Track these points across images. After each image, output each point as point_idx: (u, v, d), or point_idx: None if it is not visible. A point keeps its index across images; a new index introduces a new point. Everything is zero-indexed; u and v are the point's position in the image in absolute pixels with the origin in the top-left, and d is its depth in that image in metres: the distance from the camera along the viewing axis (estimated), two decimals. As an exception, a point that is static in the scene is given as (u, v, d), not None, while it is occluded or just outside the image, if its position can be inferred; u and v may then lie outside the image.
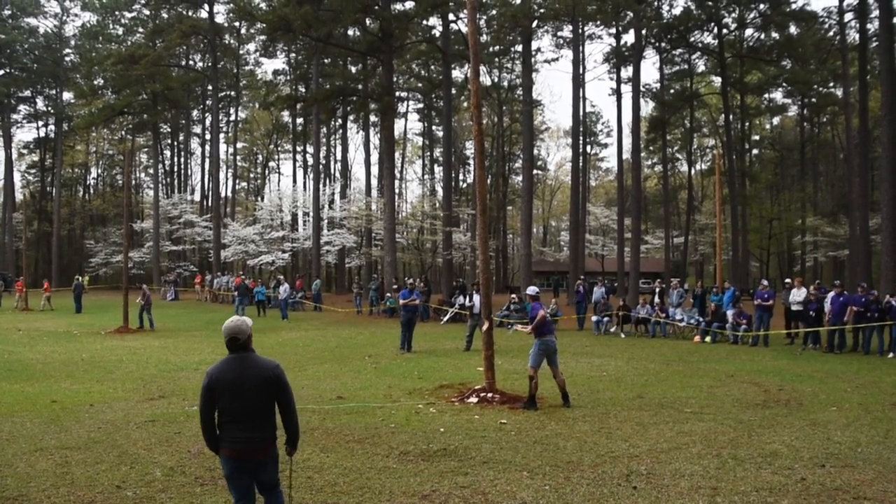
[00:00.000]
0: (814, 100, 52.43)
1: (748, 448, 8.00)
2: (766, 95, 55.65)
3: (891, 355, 16.99)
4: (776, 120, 66.12)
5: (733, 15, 43.77)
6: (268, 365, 4.77)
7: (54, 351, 18.13)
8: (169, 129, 68.10)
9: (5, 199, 63.55)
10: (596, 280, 28.98)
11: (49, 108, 65.87)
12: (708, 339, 21.20)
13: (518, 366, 15.08)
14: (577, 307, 27.63)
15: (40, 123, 68.40)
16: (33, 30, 61.92)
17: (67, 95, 64.50)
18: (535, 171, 57.75)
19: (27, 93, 64.83)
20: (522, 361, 15.82)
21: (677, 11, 42.87)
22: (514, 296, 29.48)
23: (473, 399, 10.83)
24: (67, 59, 64.09)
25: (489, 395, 10.92)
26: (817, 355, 17.60)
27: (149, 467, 7.24)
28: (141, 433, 8.81)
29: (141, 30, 57.63)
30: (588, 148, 65.98)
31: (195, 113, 66.83)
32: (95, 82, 59.16)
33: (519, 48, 43.96)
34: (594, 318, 24.53)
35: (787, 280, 25.44)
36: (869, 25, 35.08)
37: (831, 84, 49.29)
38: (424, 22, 41.94)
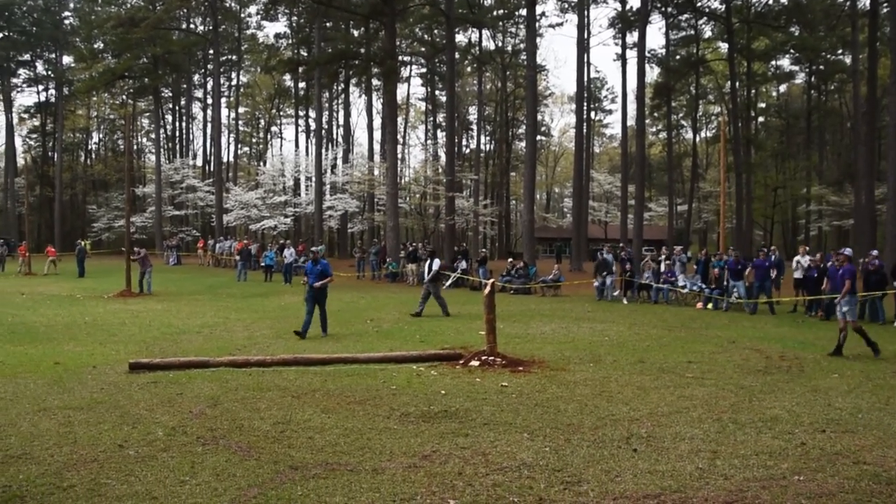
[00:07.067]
0: (822, 67, 51.84)
1: (749, 413, 8.00)
2: (774, 62, 55.10)
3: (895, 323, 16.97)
4: (783, 87, 65.58)
5: (742, -21, 43.24)
6: None
7: (57, 314, 18.18)
8: (170, 94, 67.74)
9: (7, 164, 63.43)
10: (602, 247, 28.83)
11: (49, 73, 65.51)
12: (710, 306, 21.20)
13: (519, 329, 15.11)
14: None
15: (41, 88, 68.14)
16: (32, -9, 61.41)
17: (67, 59, 64.16)
18: (538, 137, 57.40)
19: (27, 56, 64.56)
20: (523, 325, 15.86)
21: (684, -25, 42.38)
22: (517, 262, 29.53)
23: (475, 362, 10.84)
24: (67, 22, 63.64)
25: (491, 358, 10.92)
26: (820, 323, 17.60)
27: (151, 427, 7.26)
28: (143, 394, 8.84)
29: (141, -8, 57.07)
30: (592, 114, 65.53)
31: (196, 77, 66.40)
32: (95, 46, 58.67)
33: (523, 12, 43.45)
34: (595, 284, 24.49)
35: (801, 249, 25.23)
36: (881, -9, 34.57)
37: (840, 51, 48.77)
38: (428, -15, 41.40)
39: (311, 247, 39.89)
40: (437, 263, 18.92)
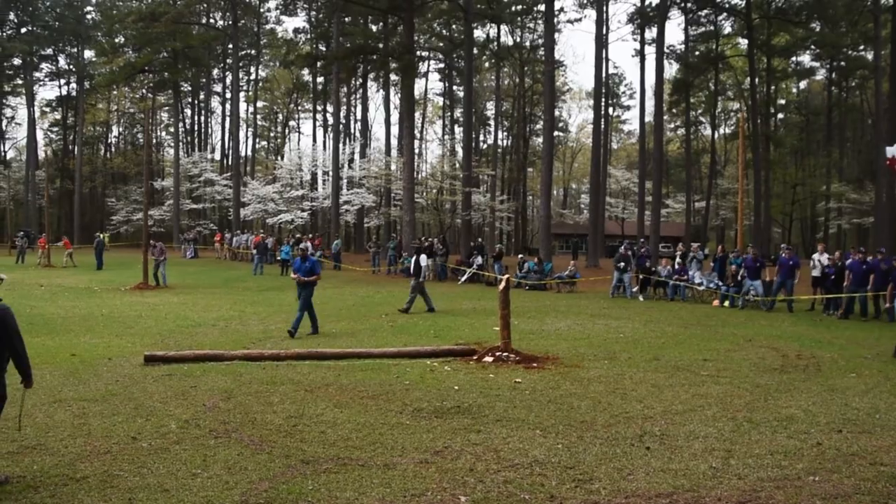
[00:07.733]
0: (843, 63, 51.23)
1: (764, 412, 7.93)
2: (794, 58, 54.52)
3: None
4: (803, 84, 64.88)
5: (762, -26, 42.84)
6: None
7: (75, 306, 18.32)
8: (189, 88, 67.98)
9: (28, 156, 63.96)
10: (622, 242, 28.70)
11: (71, 67, 65.97)
12: (727, 303, 21.04)
13: (534, 326, 15.06)
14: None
15: (62, 82, 68.63)
16: (55, -13, 61.92)
17: (89, 53, 64.64)
18: (556, 133, 57.21)
19: (49, 51, 64.98)
20: (538, 322, 15.82)
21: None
22: (529, 258, 29.43)
23: (489, 358, 10.83)
24: (89, 16, 64.10)
25: (505, 354, 10.90)
26: (838, 322, 17.43)
27: (164, 420, 7.30)
28: (157, 387, 8.89)
29: (162, -13, 57.40)
30: (610, 110, 65.18)
31: (216, 71, 66.68)
32: (116, 40, 59.12)
33: (541, 7, 43.23)
34: (613, 281, 24.27)
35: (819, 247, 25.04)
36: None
37: (861, 47, 48.16)
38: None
39: (327, 241, 40.12)
40: (423, 259, 18.79)
